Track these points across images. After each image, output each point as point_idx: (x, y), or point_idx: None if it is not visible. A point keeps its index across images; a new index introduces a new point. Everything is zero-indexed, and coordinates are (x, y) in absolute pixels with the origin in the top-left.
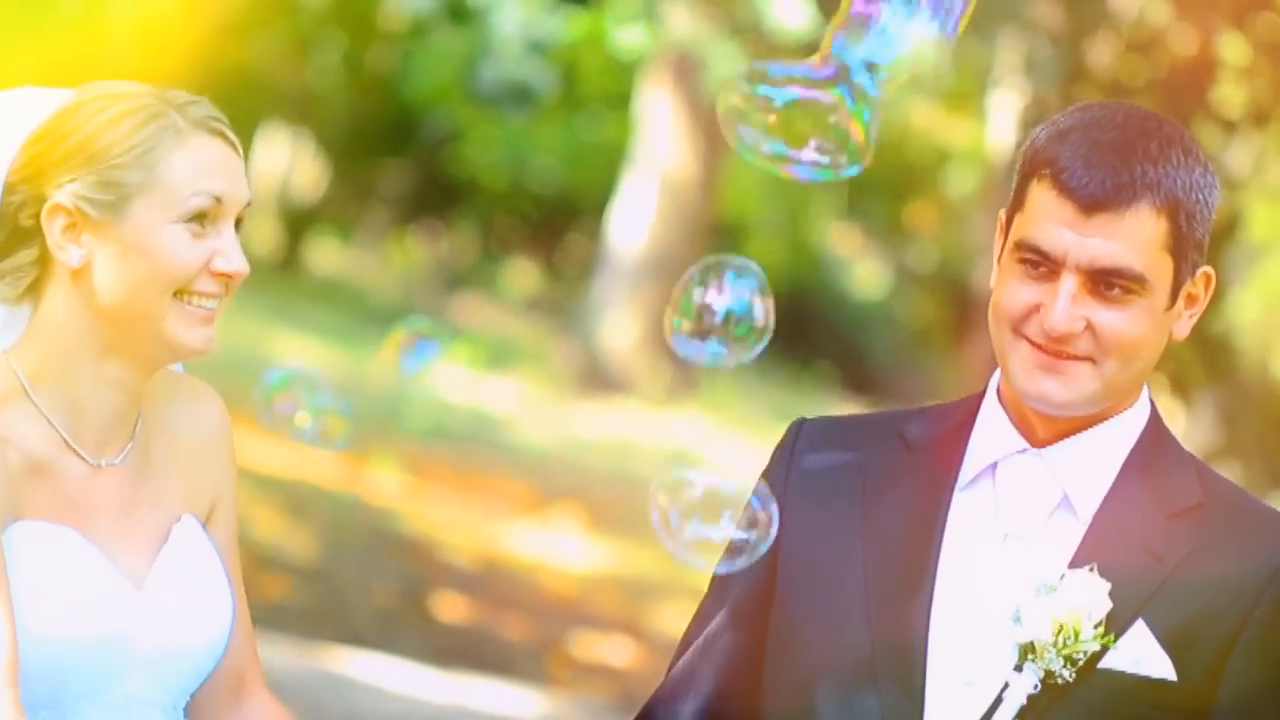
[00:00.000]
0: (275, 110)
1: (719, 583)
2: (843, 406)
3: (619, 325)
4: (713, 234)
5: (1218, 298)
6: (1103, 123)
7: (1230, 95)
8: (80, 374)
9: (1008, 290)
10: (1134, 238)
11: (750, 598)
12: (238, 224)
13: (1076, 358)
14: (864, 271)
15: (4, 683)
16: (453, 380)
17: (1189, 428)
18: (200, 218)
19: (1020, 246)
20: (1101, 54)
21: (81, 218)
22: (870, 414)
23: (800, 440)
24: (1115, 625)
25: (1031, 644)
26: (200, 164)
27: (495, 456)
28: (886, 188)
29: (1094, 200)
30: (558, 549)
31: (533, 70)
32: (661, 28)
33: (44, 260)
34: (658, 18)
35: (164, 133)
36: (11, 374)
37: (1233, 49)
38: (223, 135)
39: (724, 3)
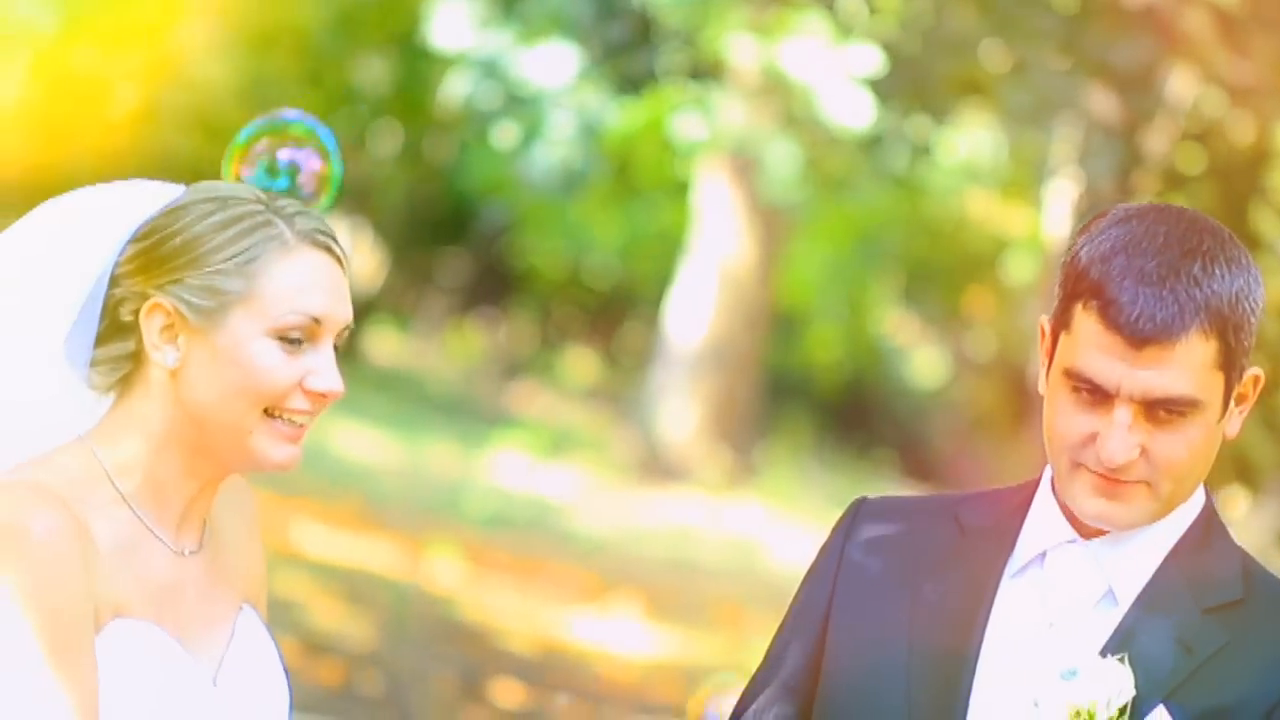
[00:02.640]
0: (333, 201)
1: (772, 654)
2: (902, 493)
3: (677, 414)
4: (771, 323)
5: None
6: (1143, 245)
7: None
8: (166, 467)
9: (1061, 418)
10: (1185, 364)
11: (801, 671)
12: (336, 341)
13: (1134, 482)
14: (922, 359)
15: None
16: (512, 468)
17: (1251, 514)
18: (297, 339)
19: (1071, 375)
20: (1157, 143)
21: (180, 319)
22: (929, 496)
23: (859, 518)
24: (1137, 716)
25: None
26: (302, 280)
27: (554, 544)
28: (944, 276)
29: (1144, 336)
30: (617, 636)
31: (585, 155)
32: (716, 118)
33: (138, 356)
34: (713, 108)
35: (269, 243)
36: (95, 461)
37: None
38: (329, 250)
39: (780, 97)
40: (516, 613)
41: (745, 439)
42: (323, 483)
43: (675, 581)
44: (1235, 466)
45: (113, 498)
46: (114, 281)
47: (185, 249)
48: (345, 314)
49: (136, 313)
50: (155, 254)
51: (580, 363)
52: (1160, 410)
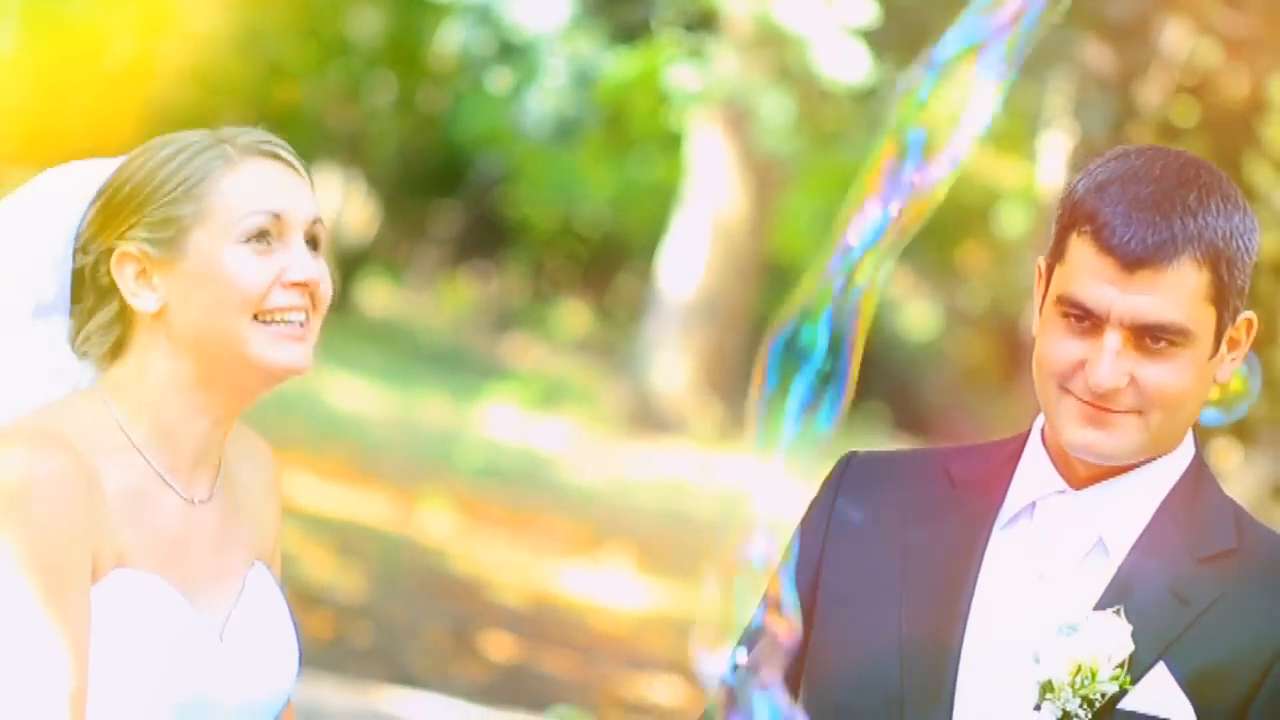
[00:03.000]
0: (327, 151)
1: (763, 607)
2: (893, 445)
3: (670, 366)
4: (763, 275)
5: (1277, 337)
6: (1140, 175)
7: None
8: (172, 408)
9: (1051, 344)
10: (1177, 292)
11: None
12: (315, 246)
13: (1122, 411)
14: (915, 312)
15: (70, 714)
16: (503, 420)
17: (1244, 468)
18: (262, 236)
19: (1063, 301)
20: (1152, 95)
21: (148, 260)
22: (918, 450)
23: (848, 473)
24: (1137, 668)
25: (1050, 683)
26: (252, 185)
27: (546, 496)
28: (937, 229)
29: (1136, 258)
30: (608, 589)
31: (579, 104)
32: (710, 69)
33: (124, 314)
34: (707, 59)
35: (214, 162)
36: (106, 409)
37: None
38: (277, 156)
39: (774, 49)
40: (508, 565)
41: (737, 392)
42: (314, 434)
43: (667, 534)
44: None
45: (123, 444)
46: (82, 249)
47: (135, 193)
48: (308, 207)
49: (109, 271)
50: (110, 208)
51: (572, 315)
52: (1149, 337)
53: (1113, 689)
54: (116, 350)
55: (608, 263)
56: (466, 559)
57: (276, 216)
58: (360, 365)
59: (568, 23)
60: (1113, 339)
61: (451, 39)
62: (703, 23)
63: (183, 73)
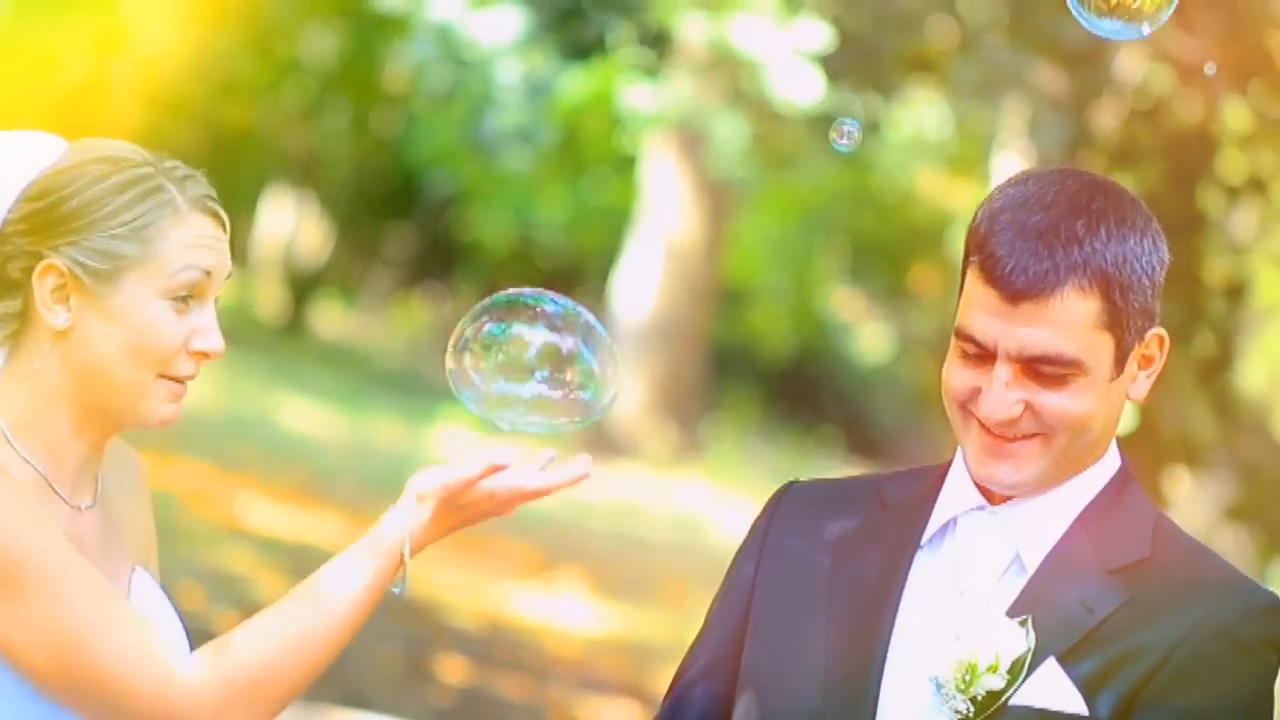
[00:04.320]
0: (280, 173)
1: (702, 633)
2: (847, 469)
3: (623, 389)
4: (717, 298)
5: (1230, 361)
6: (1032, 202)
7: (1234, 161)
8: (58, 426)
9: (951, 372)
10: (1062, 322)
11: (726, 650)
12: (215, 294)
13: (1024, 437)
14: (868, 335)
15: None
16: (456, 442)
17: (1195, 492)
18: (186, 296)
19: (958, 333)
20: (1105, 120)
21: (74, 282)
22: (857, 477)
23: (784, 501)
24: (1033, 668)
25: (939, 684)
26: (193, 242)
27: (499, 520)
28: (890, 252)
29: (1017, 290)
30: (561, 612)
31: (533, 119)
32: (665, 92)
33: (26, 313)
34: (662, 80)
35: (163, 209)
36: None
37: (1235, 116)
38: (215, 214)
39: (728, 71)
40: (462, 588)
41: (691, 415)
42: (267, 456)
43: (620, 557)
44: (1180, 447)
45: (11, 456)
46: (3, 239)
47: (81, 212)
48: (228, 267)
49: (27, 271)
50: (50, 215)
51: None
52: (1040, 368)
53: (997, 684)
54: (9, 349)
55: (561, 285)
56: (419, 581)
57: (207, 273)
58: (313, 387)
59: (521, 37)
60: (1003, 371)
61: (406, 59)
62: (656, 45)
63: (136, 93)
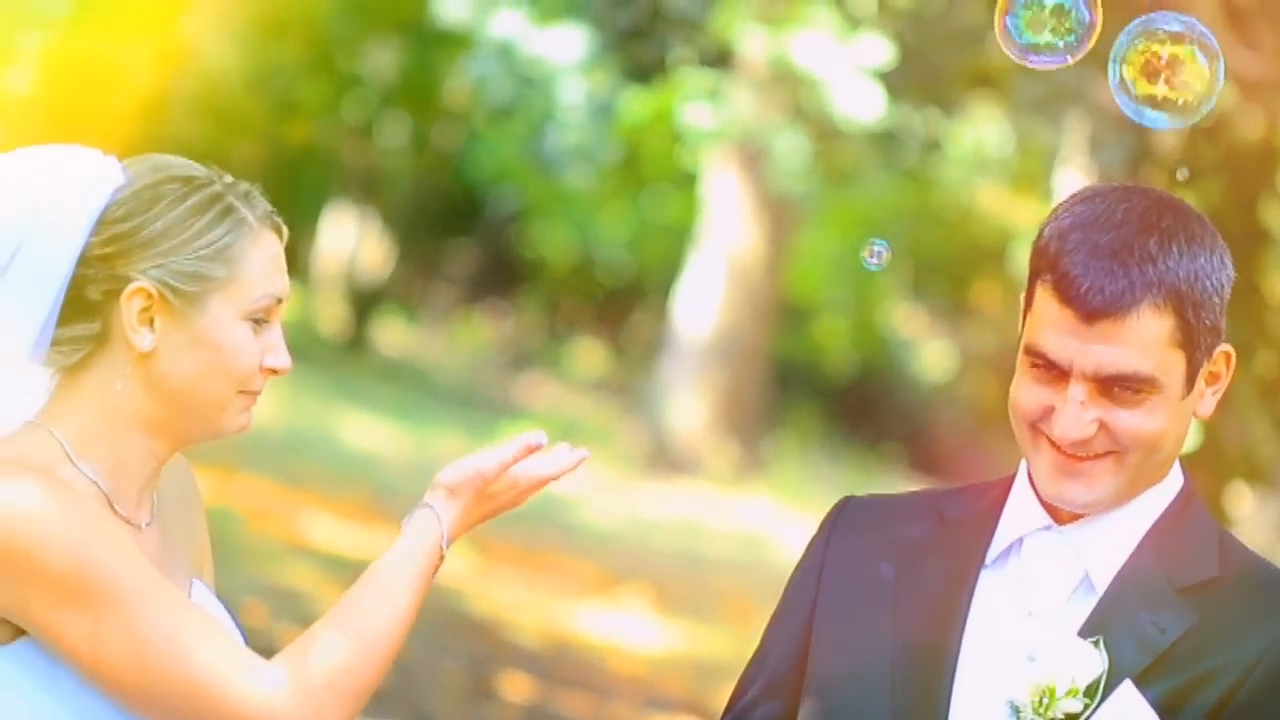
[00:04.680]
0: (341, 189)
1: (760, 652)
2: (908, 486)
3: (686, 406)
4: (779, 314)
5: None
6: (1102, 220)
7: None
8: (131, 447)
9: (1022, 391)
10: (1138, 341)
11: (786, 669)
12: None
13: (1097, 456)
14: (930, 352)
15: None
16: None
17: (1257, 510)
18: (262, 318)
19: (1029, 351)
20: (1166, 136)
21: (161, 303)
22: (915, 492)
23: (842, 516)
24: (1108, 691)
25: (1015, 707)
26: (268, 264)
27: (563, 537)
28: (952, 269)
29: (1094, 309)
30: (625, 630)
31: (595, 136)
32: (725, 108)
33: (104, 335)
34: (723, 98)
35: (240, 227)
36: (54, 441)
37: None
38: (280, 230)
39: (789, 88)
40: (525, 606)
41: (753, 432)
42: (330, 473)
43: (683, 575)
44: (1242, 464)
45: (75, 476)
46: (85, 262)
47: (166, 234)
48: (289, 288)
49: (108, 294)
50: (135, 237)
51: (588, 354)
52: (1115, 387)
53: (1076, 707)
54: (76, 369)
55: (623, 302)
56: (483, 600)
57: (279, 301)
58: (375, 404)
59: (585, 58)
60: (1077, 390)
61: (467, 75)
62: (718, 62)
63: (197, 109)
